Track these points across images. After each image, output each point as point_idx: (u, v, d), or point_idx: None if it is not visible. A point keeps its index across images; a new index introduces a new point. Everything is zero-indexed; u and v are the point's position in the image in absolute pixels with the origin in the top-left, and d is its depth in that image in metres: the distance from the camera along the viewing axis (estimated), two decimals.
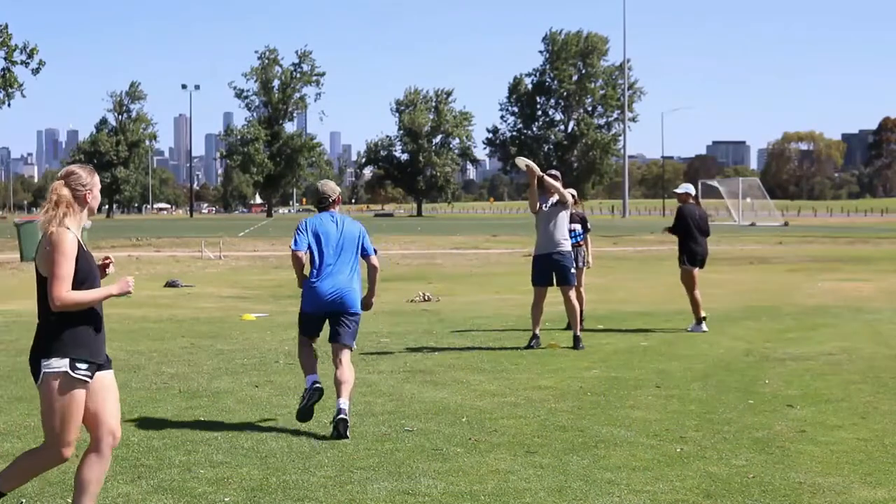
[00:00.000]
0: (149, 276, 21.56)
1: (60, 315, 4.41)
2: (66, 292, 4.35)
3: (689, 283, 12.15)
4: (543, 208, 10.63)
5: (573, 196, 11.25)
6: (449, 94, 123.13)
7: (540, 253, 10.76)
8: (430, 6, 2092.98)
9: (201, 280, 20.38)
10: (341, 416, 6.61)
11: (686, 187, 12.68)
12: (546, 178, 10.60)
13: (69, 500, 5.30)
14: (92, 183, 4.57)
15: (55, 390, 4.40)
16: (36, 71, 45.58)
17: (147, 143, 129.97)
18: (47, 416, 4.46)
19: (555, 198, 10.64)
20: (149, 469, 5.89)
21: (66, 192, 4.48)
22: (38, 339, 4.48)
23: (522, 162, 10.72)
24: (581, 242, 12.13)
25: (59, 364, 4.39)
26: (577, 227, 12.00)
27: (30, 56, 45.62)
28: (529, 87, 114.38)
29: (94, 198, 4.60)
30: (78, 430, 4.50)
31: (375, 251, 7.19)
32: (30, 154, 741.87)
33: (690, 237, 12.23)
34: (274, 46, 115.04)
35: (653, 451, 6.24)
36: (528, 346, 10.58)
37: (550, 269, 10.65)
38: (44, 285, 4.43)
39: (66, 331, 4.44)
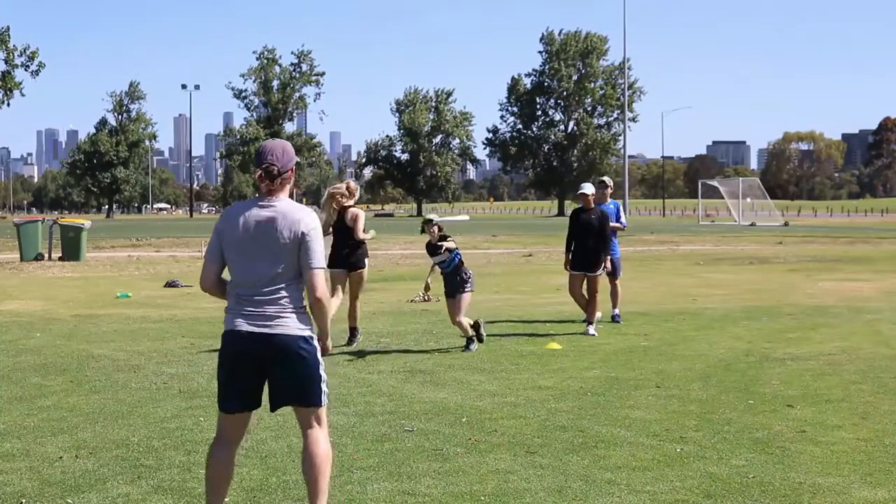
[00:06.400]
0: (149, 276, 21.56)
1: None
2: None
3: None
4: None
5: (436, 230, 10.65)
6: (449, 94, 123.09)
7: None
8: (430, 6, 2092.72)
9: None
10: None
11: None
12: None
13: (69, 501, 5.31)
14: None
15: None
16: (36, 73, 45.66)
17: (147, 143, 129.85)
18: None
19: None
20: (149, 469, 5.88)
21: None
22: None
23: None
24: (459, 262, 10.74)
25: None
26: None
27: (30, 59, 45.72)
28: (529, 87, 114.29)
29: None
30: None
31: None
32: (30, 154, 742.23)
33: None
34: (273, 46, 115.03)
35: (653, 451, 6.24)
36: None
37: None
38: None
39: None
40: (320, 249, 4.51)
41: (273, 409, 4.70)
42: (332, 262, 10.75)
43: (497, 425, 6.99)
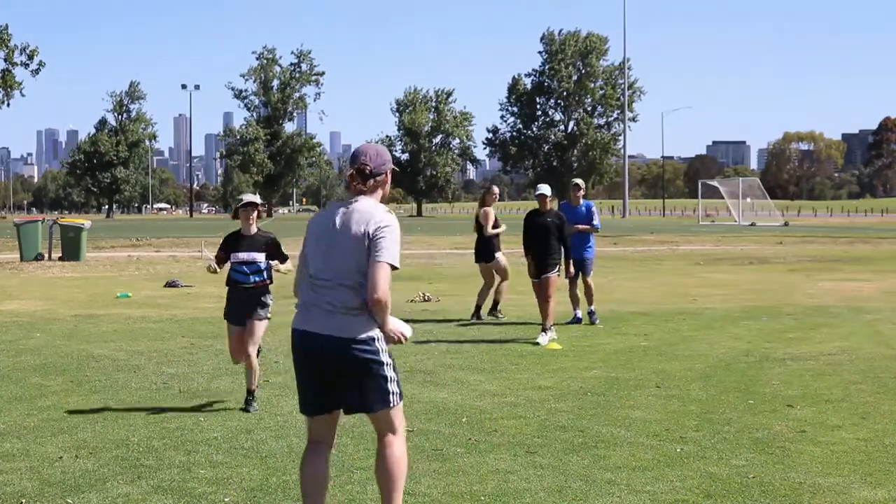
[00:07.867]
0: (149, 276, 21.56)
1: None
2: None
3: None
4: None
5: None
6: (449, 94, 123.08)
7: None
8: (430, 6, 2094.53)
9: (201, 280, 20.36)
10: None
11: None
12: None
13: (69, 501, 5.31)
14: None
15: None
16: (36, 72, 45.65)
17: (147, 143, 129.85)
18: None
19: None
20: (149, 469, 5.88)
21: None
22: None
23: None
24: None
25: None
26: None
27: (30, 58, 45.73)
28: (529, 87, 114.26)
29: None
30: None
31: None
32: (30, 154, 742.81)
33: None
34: (273, 46, 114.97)
35: (653, 451, 6.24)
36: None
37: None
38: None
39: None
40: (391, 246, 4.28)
41: (346, 412, 4.53)
42: (475, 256, 13.83)
43: (497, 425, 6.99)
